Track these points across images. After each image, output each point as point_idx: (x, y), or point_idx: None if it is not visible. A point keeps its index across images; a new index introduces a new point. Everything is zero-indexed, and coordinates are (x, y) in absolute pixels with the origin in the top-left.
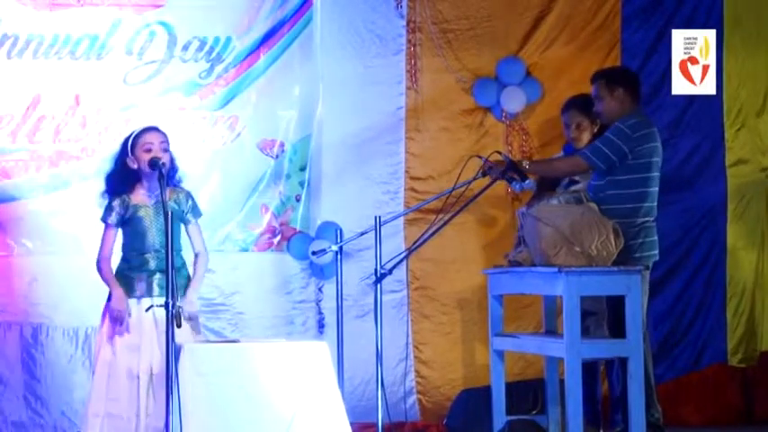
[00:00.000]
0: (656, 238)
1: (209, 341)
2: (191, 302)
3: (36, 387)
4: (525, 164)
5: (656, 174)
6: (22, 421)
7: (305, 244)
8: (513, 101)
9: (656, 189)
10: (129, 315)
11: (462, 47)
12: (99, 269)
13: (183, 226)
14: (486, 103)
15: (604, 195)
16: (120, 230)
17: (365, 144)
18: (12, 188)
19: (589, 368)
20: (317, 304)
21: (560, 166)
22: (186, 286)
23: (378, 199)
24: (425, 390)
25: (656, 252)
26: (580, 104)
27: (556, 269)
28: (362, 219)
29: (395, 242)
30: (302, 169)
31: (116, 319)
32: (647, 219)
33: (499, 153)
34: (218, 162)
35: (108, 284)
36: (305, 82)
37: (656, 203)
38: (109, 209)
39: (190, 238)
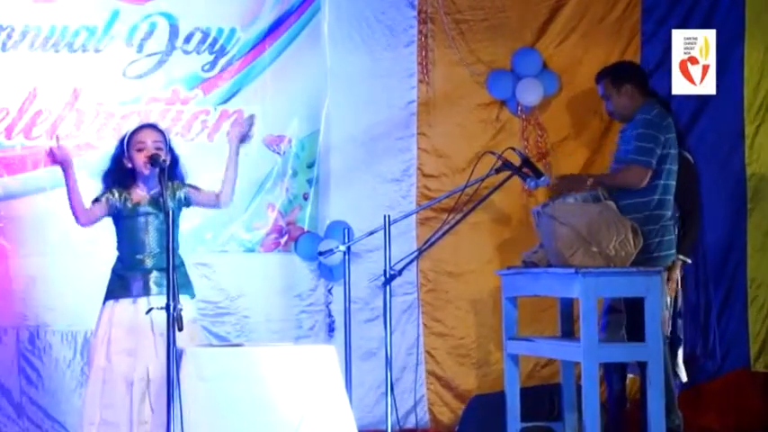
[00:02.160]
0: (673, 236)
1: (212, 345)
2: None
3: (33, 394)
4: (589, 181)
5: (673, 167)
6: (18, 430)
7: (313, 244)
8: (530, 93)
9: (674, 183)
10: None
11: (476, 38)
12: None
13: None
14: (502, 96)
15: (620, 191)
16: (113, 229)
17: (375, 140)
18: (7, 186)
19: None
20: (327, 307)
21: (624, 179)
22: (186, 285)
23: (389, 197)
24: (438, 396)
25: (674, 251)
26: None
27: (572, 270)
28: (373, 218)
29: (407, 243)
30: (310, 166)
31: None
32: (662, 214)
33: (513, 149)
34: (222, 159)
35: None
36: (312, 75)
37: (671, 198)
38: (106, 192)
39: (200, 201)
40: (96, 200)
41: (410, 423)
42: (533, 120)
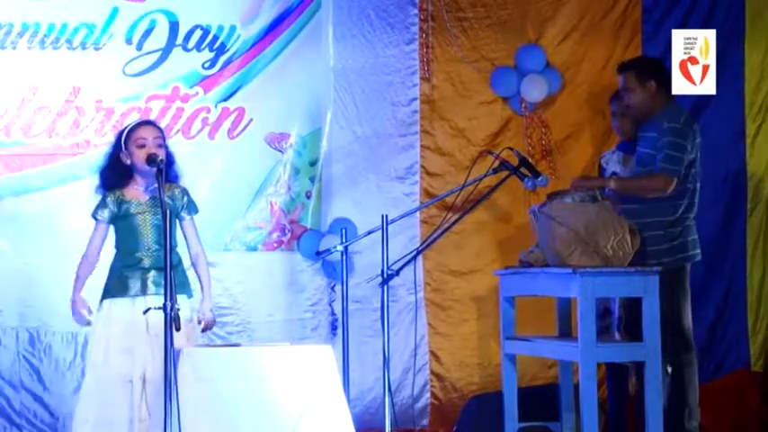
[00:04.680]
0: (696, 236)
1: (209, 345)
2: (207, 311)
3: (33, 396)
4: (612, 184)
5: (699, 169)
6: None
7: (316, 242)
8: (535, 89)
9: (698, 186)
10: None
11: (478, 35)
12: (78, 265)
13: (177, 222)
14: (505, 94)
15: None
16: (112, 228)
17: (378, 138)
18: (6, 185)
19: (618, 373)
20: (330, 305)
21: (651, 185)
22: (184, 284)
23: (393, 195)
24: (442, 396)
25: (699, 251)
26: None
27: (570, 270)
28: (377, 216)
29: (413, 242)
30: (312, 164)
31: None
32: (687, 216)
33: (511, 149)
34: (223, 157)
35: (74, 285)
36: (314, 72)
37: (696, 200)
38: (102, 205)
39: (185, 236)
40: (96, 218)
41: (412, 423)
42: (537, 117)
